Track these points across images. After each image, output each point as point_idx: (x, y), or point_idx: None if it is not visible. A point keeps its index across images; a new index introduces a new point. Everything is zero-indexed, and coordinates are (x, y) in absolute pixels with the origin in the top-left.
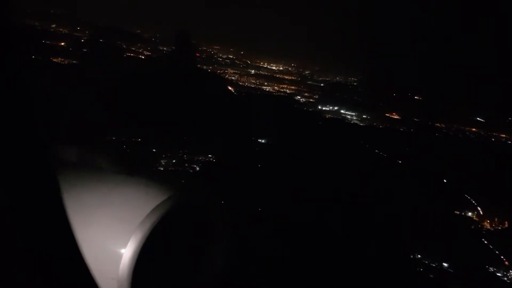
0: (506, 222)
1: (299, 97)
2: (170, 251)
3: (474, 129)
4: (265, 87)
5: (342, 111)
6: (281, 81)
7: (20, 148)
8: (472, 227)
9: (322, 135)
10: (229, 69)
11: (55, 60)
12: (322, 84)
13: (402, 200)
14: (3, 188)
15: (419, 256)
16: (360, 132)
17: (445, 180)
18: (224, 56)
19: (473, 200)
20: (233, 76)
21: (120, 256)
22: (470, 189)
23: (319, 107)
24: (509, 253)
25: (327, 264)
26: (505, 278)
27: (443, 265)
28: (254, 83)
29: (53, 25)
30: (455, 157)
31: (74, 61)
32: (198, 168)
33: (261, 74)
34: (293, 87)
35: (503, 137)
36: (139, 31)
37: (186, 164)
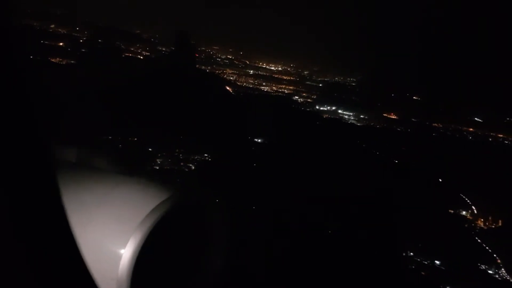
0: (500, 221)
1: (297, 97)
2: (170, 251)
3: (471, 129)
4: (263, 87)
5: (339, 111)
6: (279, 81)
7: (19, 148)
8: (466, 225)
9: (319, 134)
10: (227, 69)
11: (54, 60)
12: (320, 85)
13: (396, 199)
14: (3, 188)
15: (411, 254)
16: (357, 132)
17: (440, 180)
18: (223, 57)
19: (468, 199)
20: (232, 76)
21: (119, 256)
22: (465, 188)
23: (317, 107)
24: (502, 251)
25: (325, 263)
26: (496, 276)
27: (435, 262)
28: (252, 83)
29: (52, 25)
30: (451, 156)
31: (72, 61)
32: (193, 167)
33: (260, 74)
34: (291, 87)
35: (500, 137)
36: (138, 31)
37: (182, 163)
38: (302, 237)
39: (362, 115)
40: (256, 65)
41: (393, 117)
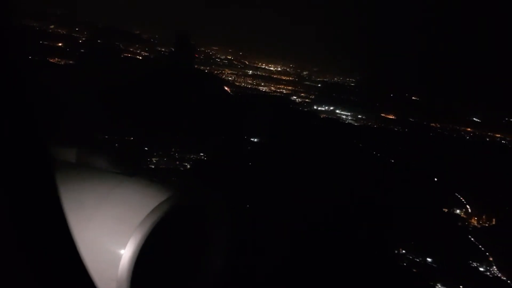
0: (494, 220)
1: (295, 97)
2: (170, 251)
3: (469, 129)
4: (261, 88)
5: (337, 111)
6: (278, 81)
7: (19, 148)
8: (459, 224)
9: (316, 134)
10: (226, 70)
11: (53, 60)
12: (319, 85)
13: (391, 197)
14: (2, 188)
15: (403, 251)
16: (354, 132)
17: (436, 179)
18: (223, 57)
19: (463, 198)
20: (230, 77)
21: (119, 257)
22: (461, 187)
23: (315, 107)
24: (495, 249)
25: (324, 262)
26: (488, 273)
27: (427, 260)
28: (251, 84)
29: (52, 26)
30: (448, 156)
31: (72, 62)
32: (189, 166)
33: (259, 74)
34: (290, 88)
35: (497, 137)
36: (138, 32)
37: (177, 162)
38: (302, 237)
39: (360, 115)
40: (255, 65)
41: (391, 117)
